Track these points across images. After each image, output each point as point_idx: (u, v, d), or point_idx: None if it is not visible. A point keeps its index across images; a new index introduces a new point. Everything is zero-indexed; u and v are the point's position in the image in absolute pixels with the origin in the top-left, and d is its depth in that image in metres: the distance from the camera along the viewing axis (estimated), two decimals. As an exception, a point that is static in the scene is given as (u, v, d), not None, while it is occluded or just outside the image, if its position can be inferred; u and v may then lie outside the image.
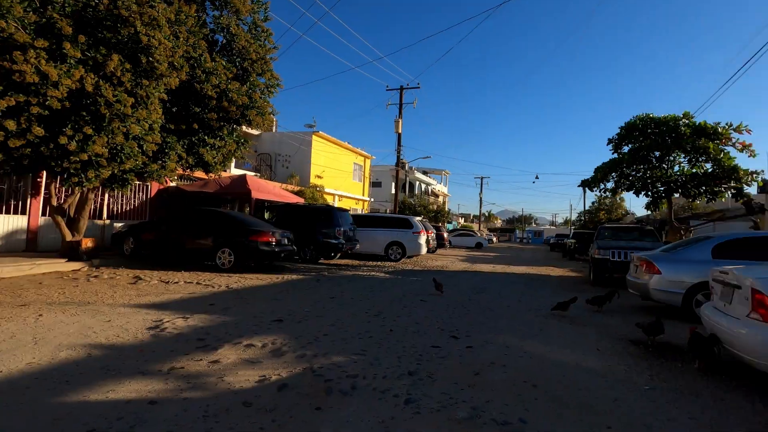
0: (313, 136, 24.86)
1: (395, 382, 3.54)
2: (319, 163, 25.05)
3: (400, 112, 26.08)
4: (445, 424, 2.85)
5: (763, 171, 13.14)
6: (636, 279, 7.54)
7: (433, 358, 4.25)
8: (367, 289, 8.73)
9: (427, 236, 17.89)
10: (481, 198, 65.82)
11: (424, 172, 50.99)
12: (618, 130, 15.82)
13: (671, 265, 6.96)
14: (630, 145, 15.37)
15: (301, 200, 17.16)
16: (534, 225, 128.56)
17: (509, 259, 22.31)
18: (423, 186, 48.39)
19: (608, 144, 16.24)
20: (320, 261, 13.83)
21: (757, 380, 3.81)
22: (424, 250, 16.00)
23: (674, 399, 3.41)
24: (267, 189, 15.32)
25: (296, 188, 20.65)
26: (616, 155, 15.91)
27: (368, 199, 30.54)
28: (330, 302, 6.99)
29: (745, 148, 13.38)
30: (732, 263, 6.66)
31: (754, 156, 13.22)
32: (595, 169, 16.40)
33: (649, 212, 21.20)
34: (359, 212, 26.71)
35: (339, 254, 14.08)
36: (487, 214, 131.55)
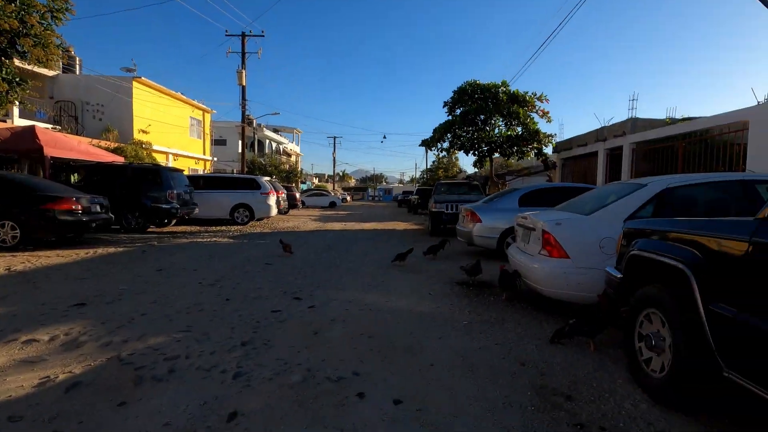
0: (134, 83, 20.86)
1: (225, 357, 3.20)
2: (144, 116, 21.32)
3: (243, 62, 23.75)
4: (277, 391, 2.67)
5: (555, 135, 16.16)
6: (463, 228, 8.51)
7: (272, 324, 4.01)
8: (205, 257, 7.89)
9: (278, 197, 17.16)
10: (334, 157, 66.36)
11: (275, 130, 48.49)
12: (452, 94, 17.35)
13: (489, 214, 8.02)
14: (461, 108, 17.06)
15: (120, 159, 14.42)
16: (385, 183, 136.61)
17: (360, 216, 23.19)
18: (274, 145, 46.13)
19: (444, 107, 17.73)
20: (150, 230, 12.02)
21: (546, 305, 4.64)
22: (274, 211, 15.33)
23: (485, 329, 3.91)
24: (70, 145, 12.34)
25: (114, 145, 17.25)
26: (450, 117, 17.51)
27: (210, 158, 27.58)
28: (156, 276, 6.07)
29: (544, 114, 16.17)
30: (533, 210, 8.04)
31: (550, 121, 16.13)
32: (434, 129, 17.83)
33: (476, 170, 24.35)
34: (200, 173, 24.02)
35: (174, 221, 12.45)
36: (341, 173, 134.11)
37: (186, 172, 17.99)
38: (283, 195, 18.08)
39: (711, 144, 8.36)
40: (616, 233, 3.92)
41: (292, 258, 7.85)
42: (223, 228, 13.73)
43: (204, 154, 26.87)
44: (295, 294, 5.14)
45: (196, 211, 12.58)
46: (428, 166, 49.43)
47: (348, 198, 58.13)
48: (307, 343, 3.51)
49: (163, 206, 11.12)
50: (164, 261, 7.29)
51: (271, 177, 33.14)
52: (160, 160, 21.02)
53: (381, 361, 3.18)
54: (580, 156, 14.29)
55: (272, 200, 15.11)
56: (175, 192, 11.37)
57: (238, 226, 14.34)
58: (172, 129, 23.49)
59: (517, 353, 3.34)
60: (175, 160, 22.80)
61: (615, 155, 12.06)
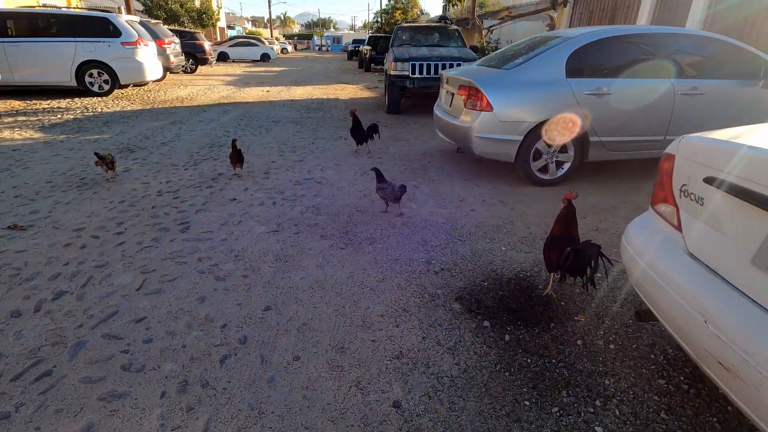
0: None
1: None
2: None
3: None
4: None
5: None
6: (451, 118, 4.51)
7: None
8: None
9: (163, 49, 11.59)
10: (268, -6, 53.91)
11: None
12: None
13: (507, 93, 4.01)
14: None
15: None
16: (334, 30, 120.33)
17: (296, 74, 17.80)
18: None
19: None
20: None
21: None
22: (152, 72, 10.06)
23: None
24: None
25: None
26: None
27: (76, -12, 19.34)
28: None
29: None
30: (595, 83, 4.10)
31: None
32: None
33: (449, 9, 18.69)
34: (70, 11, 16.63)
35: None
36: (282, 16, 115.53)
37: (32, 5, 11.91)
38: (173, 45, 12.35)
39: None
40: None
41: (99, 194, 3.77)
42: (62, 104, 8.67)
43: (62, -19, 18.58)
44: None
45: (-7, 76, 7.37)
46: (382, 7, 40.71)
47: (290, 47, 49.00)
48: None
49: None
50: None
51: (178, 20, 25.18)
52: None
53: None
54: (606, -15, 9.62)
55: (146, 55, 9.73)
56: None
57: (93, 99, 9.27)
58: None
59: None
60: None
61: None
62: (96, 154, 4.04)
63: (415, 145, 5.91)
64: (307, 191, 3.96)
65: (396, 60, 7.68)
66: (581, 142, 4.06)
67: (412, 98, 8.95)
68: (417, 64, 7.54)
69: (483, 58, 5.27)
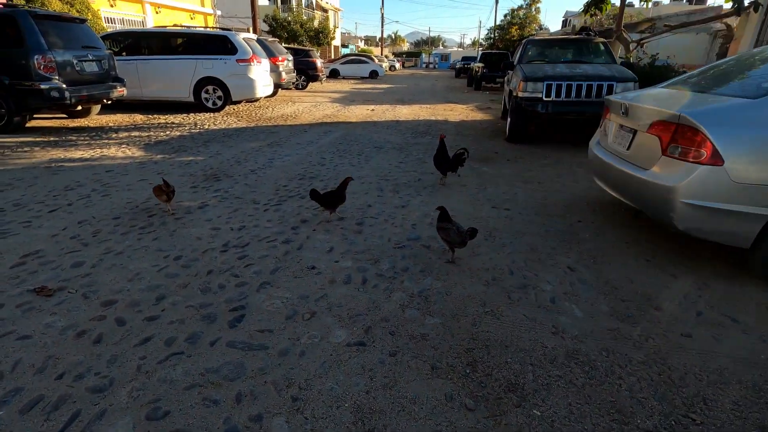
0: None
1: None
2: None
3: None
4: None
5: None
6: (631, 167, 3.02)
7: None
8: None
9: (276, 66, 11.65)
10: (382, 14, 55.65)
11: (308, -23, 39.07)
12: None
13: (751, 137, 2.44)
14: None
15: None
16: (442, 47, 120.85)
17: (403, 93, 17.16)
18: (305, -4, 37.56)
19: None
20: (33, 123, 7.49)
21: None
22: (262, 89, 10.00)
23: None
24: None
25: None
26: None
27: (212, 11, 21.23)
28: None
29: None
30: None
31: None
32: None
33: (574, 23, 16.57)
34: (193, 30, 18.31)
35: (69, 108, 7.74)
36: (393, 35, 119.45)
37: (174, 26, 13.04)
38: (284, 63, 12.42)
39: None
40: None
41: (157, 248, 3.06)
42: (177, 119, 8.87)
43: (202, 5, 20.56)
44: None
45: (119, 91, 7.64)
46: (497, 23, 38.93)
47: (398, 65, 49.65)
48: None
49: (29, 85, 6.28)
50: None
51: (297, 39, 26.53)
52: (128, 13, 15.47)
53: None
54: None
55: (258, 72, 9.69)
56: (54, 59, 6.39)
57: (205, 115, 9.41)
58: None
59: None
60: (157, 12, 17.04)
61: None
62: (164, 181, 3.45)
63: (551, 190, 4.47)
64: (411, 263, 2.82)
65: (526, 79, 6.28)
66: None
67: (539, 124, 7.43)
68: (554, 84, 6.06)
69: (674, 80, 3.67)
